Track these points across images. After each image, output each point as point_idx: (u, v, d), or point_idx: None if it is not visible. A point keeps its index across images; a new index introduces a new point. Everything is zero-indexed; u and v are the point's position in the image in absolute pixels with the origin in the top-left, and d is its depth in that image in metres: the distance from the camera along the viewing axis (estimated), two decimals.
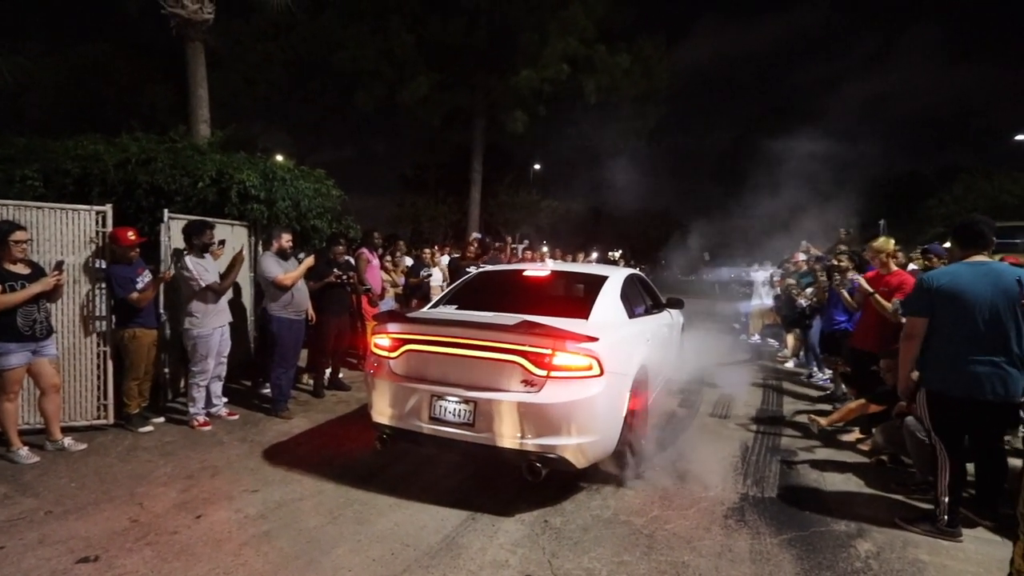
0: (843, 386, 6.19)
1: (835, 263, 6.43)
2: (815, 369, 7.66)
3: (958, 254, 3.30)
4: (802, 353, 8.61)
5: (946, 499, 3.20)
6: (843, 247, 7.91)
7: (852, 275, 5.19)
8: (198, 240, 4.88)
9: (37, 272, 4.03)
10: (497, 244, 9.14)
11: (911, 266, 7.03)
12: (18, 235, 3.89)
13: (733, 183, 42.93)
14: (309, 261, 5.40)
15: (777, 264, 11.32)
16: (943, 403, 3.19)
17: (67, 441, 4.24)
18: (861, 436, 4.76)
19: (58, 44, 14.77)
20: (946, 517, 3.21)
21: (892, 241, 5.22)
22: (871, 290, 4.89)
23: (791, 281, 9.13)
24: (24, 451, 4.00)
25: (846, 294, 5.65)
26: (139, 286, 4.59)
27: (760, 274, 11.29)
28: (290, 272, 5.23)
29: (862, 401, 4.52)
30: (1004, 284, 3.09)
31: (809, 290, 8.01)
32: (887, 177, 36.33)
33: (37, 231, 4.41)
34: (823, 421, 4.70)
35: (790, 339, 9.14)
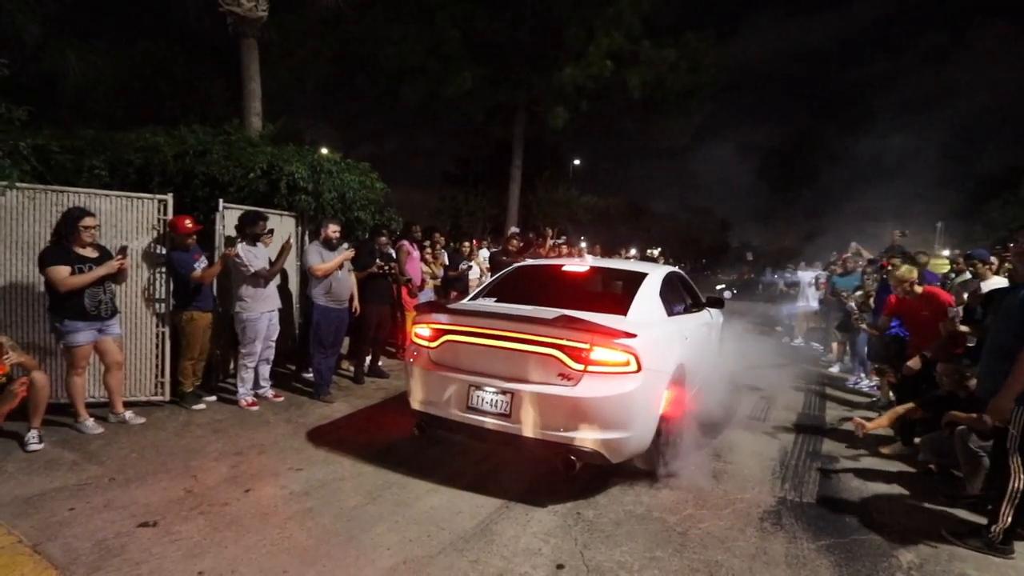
0: (891, 394, 5.98)
1: (888, 267, 6.21)
2: (861, 375, 7.41)
3: None
4: (847, 358, 8.35)
5: (1009, 517, 3.06)
6: (897, 250, 7.61)
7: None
8: (251, 230, 5.11)
9: (105, 256, 4.30)
10: (538, 240, 9.15)
11: (965, 274, 6.70)
12: (88, 221, 4.16)
13: (781, 182, 41.80)
14: (347, 254, 5.53)
15: (823, 265, 10.98)
16: None
17: (128, 415, 4.52)
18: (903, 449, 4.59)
19: (121, 42, 15.54)
20: (1002, 535, 3.08)
21: (915, 270, 5.06)
22: (928, 355, 4.62)
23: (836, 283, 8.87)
24: (90, 422, 4.30)
25: (867, 327, 5.60)
26: (198, 270, 4.83)
27: (807, 275, 10.96)
28: (325, 263, 5.37)
29: (911, 405, 4.36)
30: None
31: (858, 294, 7.75)
32: (948, 177, 34.62)
33: (105, 217, 4.70)
34: (869, 425, 4.53)
35: (835, 344, 8.86)
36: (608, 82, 17.55)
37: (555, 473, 3.49)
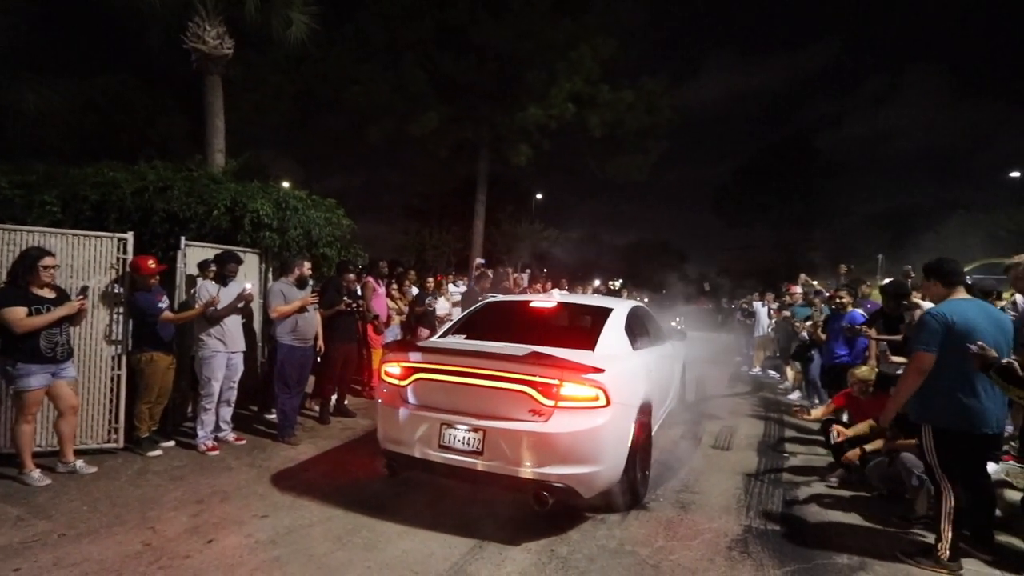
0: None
1: (837, 298, 6.56)
2: (816, 402, 7.69)
3: (943, 291, 3.42)
4: (804, 385, 8.66)
5: (950, 533, 3.24)
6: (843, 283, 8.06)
7: None
8: (223, 269, 5.13)
9: (62, 297, 4.15)
10: (497, 270, 9.26)
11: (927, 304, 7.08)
12: (47, 261, 4.03)
13: (733, 216, 43.65)
14: (309, 299, 5.40)
15: (775, 295, 11.47)
16: (951, 438, 3.25)
17: (79, 464, 4.29)
18: (845, 475, 4.72)
19: (78, 74, 15.22)
20: (948, 552, 3.25)
21: (875, 371, 5.06)
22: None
23: (787, 313, 9.27)
24: (36, 473, 4.06)
25: (806, 417, 5.36)
26: (161, 307, 4.76)
27: (762, 305, 11.41)
28: (282, 305, 5.26)
29: (871, 421, 4.48)
30: (1004, 324, 3.35)
31: (808, 323, 8.13)
32: (888, 212, 36.93)
33: (59, 257, 4.54)
34: (847, 432, 4.57)
35: (789, 372, 9.20)
36: (569, 121, 18.20)
37: (528, 510, 3.50)
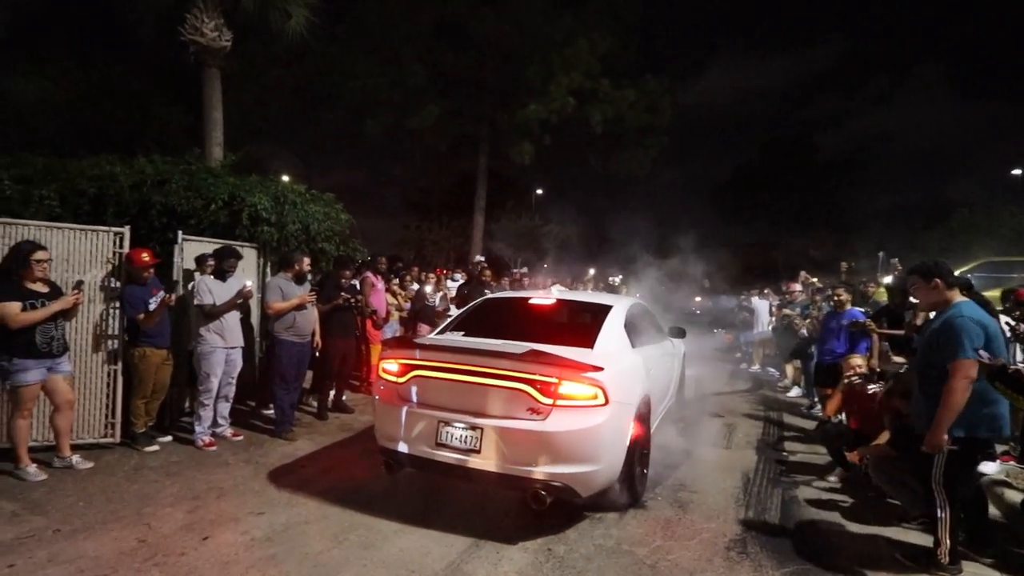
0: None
1: (835, 297, 6.52)
2: (815, 400, 7.67)
3: (947, 295, 3.27)
4: (804, 383, 8.64)
5: (948, 538, 3.19)
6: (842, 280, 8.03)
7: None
8: (222, 265, 5.10)
9: (56, 291, 4.13)
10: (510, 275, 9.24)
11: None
12: (40, 255, 4.00)
13: (736, 212, 43.51)
14: (306, 297, 5.33)
15: (775, 292, 11.44)
16: (973, 445, 3.13)
17: (75, 459, 4.28)
18: (845, 475, 4.69)
19: (73, 65, 15.10)
20: (948, 556, 3.22)
21: (867, 360, 5.09)
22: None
23: (788, 311, 9.24)
24: (32, 468, 4.05)
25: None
26: (151, 306, 4.68)
27: (762, 303, 11.37)
28: (279, 302, 5.22)
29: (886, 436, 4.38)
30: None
31: (808, 320, 8.10)
32: (891, 209, 36.80)
33: (56, 251, 4.52)
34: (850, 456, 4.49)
35: (789, 369, 9.18)
36: (570, 117, 18.15)
37: (525, 508, 3.48)
